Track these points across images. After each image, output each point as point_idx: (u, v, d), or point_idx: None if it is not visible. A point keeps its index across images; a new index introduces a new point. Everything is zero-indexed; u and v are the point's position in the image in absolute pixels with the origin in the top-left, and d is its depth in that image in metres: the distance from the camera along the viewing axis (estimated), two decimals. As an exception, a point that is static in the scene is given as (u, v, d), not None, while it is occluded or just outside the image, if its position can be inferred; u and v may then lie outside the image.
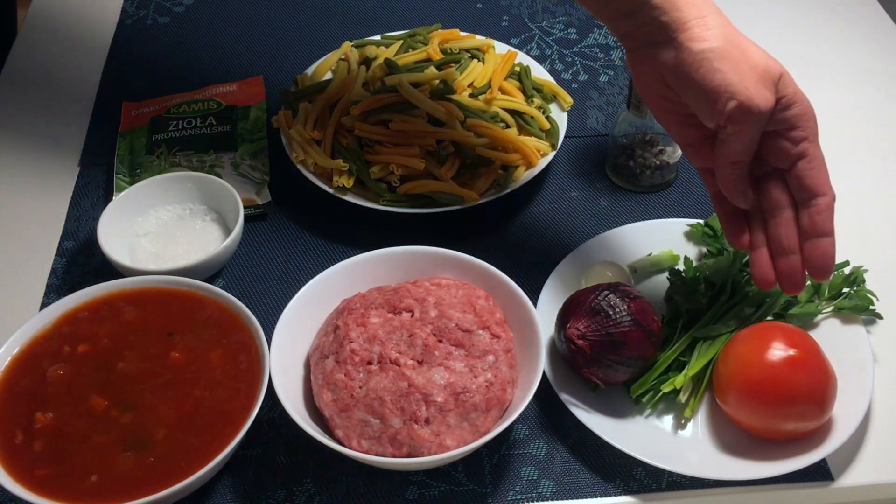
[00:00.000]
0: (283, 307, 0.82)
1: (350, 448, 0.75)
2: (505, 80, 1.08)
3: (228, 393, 0.77)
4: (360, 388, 0.77)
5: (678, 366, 0.84)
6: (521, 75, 1.10)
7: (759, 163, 0.78)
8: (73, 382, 0.78)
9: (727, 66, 0.72)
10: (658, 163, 1.03)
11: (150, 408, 0.76)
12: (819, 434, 0.79)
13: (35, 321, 0.81)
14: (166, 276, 0.85)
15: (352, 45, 1.14)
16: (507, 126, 1.04)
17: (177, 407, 0.77)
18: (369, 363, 0.78)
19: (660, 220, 0.98)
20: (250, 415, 0.75)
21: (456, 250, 0.87)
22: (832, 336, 0.86)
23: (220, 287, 0.85)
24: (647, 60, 0.77)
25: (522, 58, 1.13)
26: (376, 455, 0.75)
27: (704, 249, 0.95)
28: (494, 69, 1.08)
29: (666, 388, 0.82)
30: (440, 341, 0.79)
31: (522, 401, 0.76)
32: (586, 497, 0.79)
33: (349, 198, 0.98)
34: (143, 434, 0.75)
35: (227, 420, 0.75)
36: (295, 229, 1.00)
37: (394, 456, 0.75)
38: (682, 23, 0.74)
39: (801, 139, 0.74)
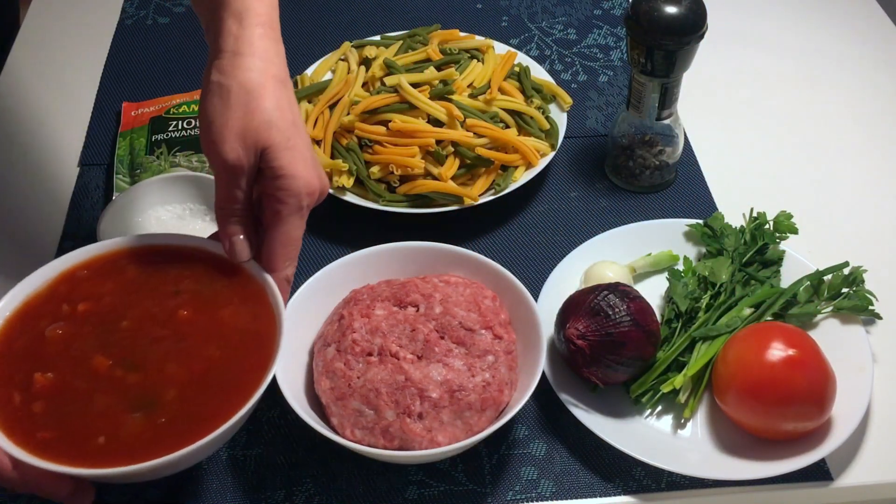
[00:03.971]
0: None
1: (343, 437, 0.75)
2: (504, 80, 1.08)
3: (243, 352, 0.72)
4: (358, 378, 0.77)
5: (677, 366, 0.84)
6: (520, 76, 1.10)
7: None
8: (73, 342, 0.73)
9: (223, 104, 0.72)
10: (657, 163, 1.03)
11: (158, 367, 0.71)
12: (818, 434, 0.79)
13: (29, 281, 0.76)
14: (171, 235, 0.80)
15: (351, 46, 1.15)
16: (507, 126, 1.04)
17: (187, 367, 0.71)
18: (369, 354, 0.78)
19: (659, 220, 0.98)
20: (267, 374, 0.70)
21: (457, 250, 0.87)
22: (831, 336, 0.86)
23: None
24: (203, 77, 0.77)
25: (522, 58, 1.13)
26: (368, 446, 0.75)
27: (704, 249, 0.95)
28: (494, 69, 1.08)
29: (665, 389, 0.82)
30: (442, 338, 0.79)
31: (519, 401, 0.76)
32: (586, 497, 0.79)
33: (349, 198, 0.98)
34: (151, 394, 0.70)
35: (242, 380, 0.71)
36: (295, 229, 1.00)
37: (385, 448, 0.75)
38: (219, 50, 0.74)
39: (275, 211, 0.73)
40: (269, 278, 0.75)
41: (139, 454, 0.66)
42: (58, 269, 0.77)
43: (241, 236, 0.75)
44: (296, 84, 1.11)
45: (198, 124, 0.75)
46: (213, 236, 0.78)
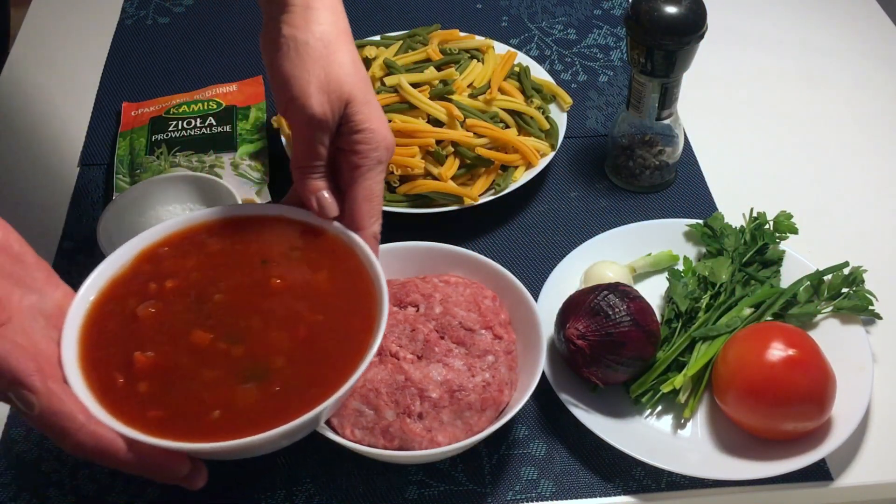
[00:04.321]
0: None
1: (343, 437, 0.75)
2: (504, 80, 1.08)
3: (345, 314, 0.71)
4: None
5: (677, 366, 0.84)
6: (520, 76, 1.10)
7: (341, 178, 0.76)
8: (167, 319, 0.71)
9: (302, 59, 0.71)
10: (657, 163, 1.03)
11: (260, 337, 0.69)
12: (818, 434, 0.79)
13: (108, 263, 0.73)
14: (248, 206, 0.78)
15: (351, 46, 1.14)
16: (507, 126, 1.04)
17: (291, 333, 0.70)
18: None
19: (659, 220, 0.98)
20: (378, 331, 0.68)
21: (456, 250, 0.87)
22: (831, 336, 0.86)
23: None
24: (262, 36, 0.75)
25: (522, 58, 1.13)
26: (368, 446, 0.75)
27: (704, 249, 0.95)
28: (494, 69, 1.08)
29: (665, 389, 0.82)
30: (442, 338, 0.79)
31: (519, 401, 0.76)
32: (586, 497, 0.79)
33: (349, 198, 0.98)
34: (260, 364, 0.68)
35: (350, 341, 0.69)
36: (295, 229, 1.00)
37: (385, 448, 0.75)
38: (288, 4, 0.72)
39: (356, 166, 0.73)
40: (357, 237, 0.74)
41: (257, 424, 0.64)
42: (137, 248, 0.75)
43: (327, 192, 0.74)
44: (296, 84, 1.11)
45: (271, 83, 0.74)
46: (286, 201, 0.77)
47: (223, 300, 0.72)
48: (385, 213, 0.97)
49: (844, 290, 0.89)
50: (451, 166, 0.99)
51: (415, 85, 1.03)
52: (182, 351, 0.69)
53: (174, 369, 0.68)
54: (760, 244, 0.93)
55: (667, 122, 1.01)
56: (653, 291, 0.92)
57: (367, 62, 1.11)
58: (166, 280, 0.73)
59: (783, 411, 0.77)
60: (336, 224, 0.75)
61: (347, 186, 0.74)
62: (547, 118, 1.06)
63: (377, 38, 1.17)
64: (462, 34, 1.16)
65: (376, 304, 0.71)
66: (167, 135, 1.07)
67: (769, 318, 0.88)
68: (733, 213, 0.98)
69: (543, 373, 0.81)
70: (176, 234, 0.77)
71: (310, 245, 0.75)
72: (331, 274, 0.73)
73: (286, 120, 0.74)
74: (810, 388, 0.77)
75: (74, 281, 0.94)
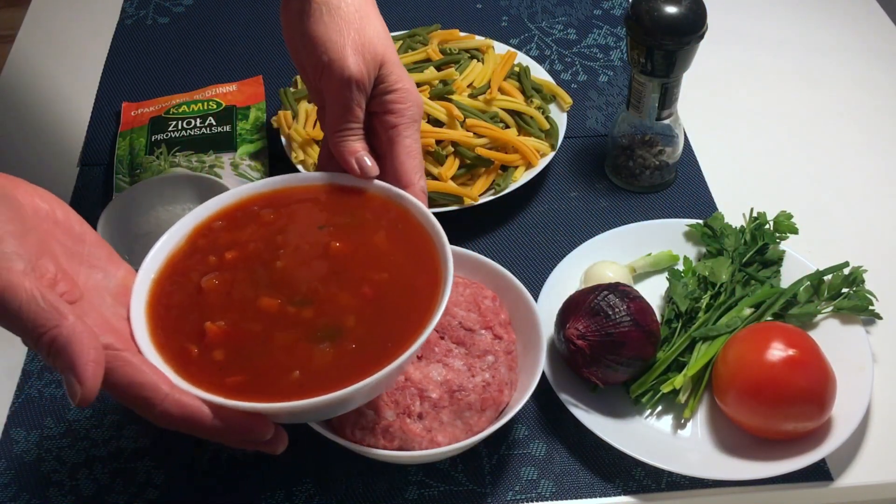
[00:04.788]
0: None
1: (343, 437, 0.75)
2: (504, 80, 1.08)
3: (409, 272, 0.72)
4: None
5: (678, 366, 0.84)
6: (520, 76, 1.10)
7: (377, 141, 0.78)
8: (233, 289, 0.71)
9: (335, 22, 0.73)
10: (657, 163, 1.03)
11: (329, 299, 0.70)
12: (818, 434, 0.79)
13: (163, 242, 0.74)
14: (299, 174, 0.79)
15: (351, 46, 1.14)
16: (507, 126, 1.04)
17: (359, 294, 0.70)
18: None
19: (659, 220, 0.98)
20: (445, 284, 0.69)
21: (456, 250, 0.87)
22: (831, 336, 0.86)
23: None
24: (284, 7, 0.77)
25: (522, 58, 1.13)
26: (368, 446, 0.75)
27: (704, 249, 0.95)
28: (494, 69, 1.08)
29: (665, 389, 0.82)
30: (441, 338, 0.79)
31: (519, 402, 0.76)
32: (586, 497, 0.79)
33: (349, 198, 0.98)
34: (332, 324, 0.69)
35: (417, 298, 0.70)
36: (295, 229, 1.00)
37: (385, 448, 0.75)
38: None
39: (393, 125, 0.74)
40: (408, 195, 0.75)
41: (337, 382, 0.64)
42: (190, 224, 0.76)
43: (366, 153, 0.75)
44: (296, 85, 1.11)
45: (301, 51, 0.75)
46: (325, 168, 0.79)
47: (285, 266, 0.72)
48: (385, 213, 0.98)
49: (844, 290, 0.89)
50: (451, 166, 0.99)
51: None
52: (252, 318, 0.69)
53: (247, 336, 0.68)
54: (760, 244, 0.93)
55: (667, 122, 1.01)
56: (653, 291, 0.92)
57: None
58: (225, 252, 0.74)
59: (783, 411, 0.77)
60: (383, 184, 0.76)
61: (387, 148, 0.75)
62: (547, 118, 1.06)
63: (377, 38, 1.16)
64: (462, 34, 1.16)
65: (440, 257, 0.71)
66: (167, 135, 1.07)
67: (769, 319, 0.88)
68: (733, 213, 0.98)
69: (543, 373, 0.81)
70: (228, 207, 0.77)
71: (362, 207, 0.76)
72: (388, 233, 0.74)
73: (320, 85, 0.75)
74: (810, 388, 0.77)
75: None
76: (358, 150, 0.75)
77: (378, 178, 0.76)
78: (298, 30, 0.75)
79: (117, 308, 0.66)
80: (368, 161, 0.75)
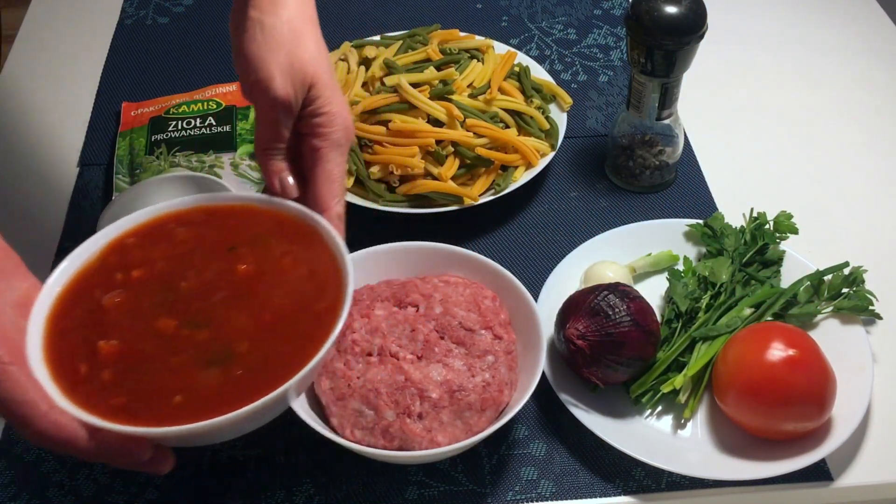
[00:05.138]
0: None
1: (343, 437, 0.75)
2: (504, 80, 1.08)
3: (310, 297, 0.72)
4: (358, 378, 0.77)
5: (678, 366, 0.84)
6: (520, 76, 1.10)
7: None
8: (133, 308, 0.71)
9: (268, 42, 0.72)
10: (657, 163, 1.03)
11: (225, 322, 0.70)
12: (818, 434, 0.79)
13: (76, 255, 0.74)
14: (214, 195, 0.80)
15: (351, 46, 1.14)
16: (507, 126, 1.04)
17: (255, 318, 0.70)
18: (369, 354, 0.78)
19: (659, 220, 0.98)
20: (341, 313, 0.69)
21: (456, 250, 0.87)
22: (831, 336, 0.86)
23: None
24: (231, 20, 0.77)
25: (522, 58, 1.13)
26: (368, 446, 0.75)
27: (704, 249, 0.95)
28: (494, 69, 1.08)
29: (665, 389, 0.82)
30: (442, 338, 0.79)
31: (519, 401, 0.76)
32: (586, 497, 0.79)
33: (348, 198, 0.98)
34: (224, 348, 0.69)
35: (314, 323, 0.69)
36: (294, 229, 1.00)
37: (385, 448, 0.75)
38: None
39: (317, 148, 0.74)
40: (322, 219, 0.75)
41: (219, 408, 0.64)
42: (104, 239, 0.76)
43: (288, 173, 0.76)
44: (296, 84, 1.11)
45: (236, 65, 0.75)
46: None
47: (190, 287, 0.72)
48: (385, 213, 0.98)
49: (844, 290, 0.89)
50: (451, 166, 0.99)
51: (415, 85, 1.03)
52: (147, 338, 0.69)
53: (138, 356, 0.68)
54: (760, 244, 0.93)
55: (667, 122, 1.01)
56: (653, 291, 0.92)
57: (367, 62, 1.11)
58: (133, 270, 0.74)
59: (783, 411, 0.77)
60: (300, 207, 0.76)
61: (309, 169, 0.75)
62: (547, 118, 1.06)
63: (377, 38, 1.17)
64: (462, 34, 1.16)
65: (342, 285, 0.71)
66: (167, 135, 1.07)
67: (769, 319, 0.88)
68: (733, 213, 0.98)
69: (543, 373, 0.81)
70: (143, 224, 0.77)
71: (275, 230, 0.76)
72: (296, 258, 0.74)
73: (250, 101, 0.75)
74: (810, 388, 0.77)
75: (74, 281, 0.95)
76: (281, 169, 0.75)
77: (300, 199, 0.76)
78: (235, 44, 0.75)
79: (18, 320, 0.65)
80: (290, 181, 0.76)
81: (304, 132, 0.75)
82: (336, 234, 0.74)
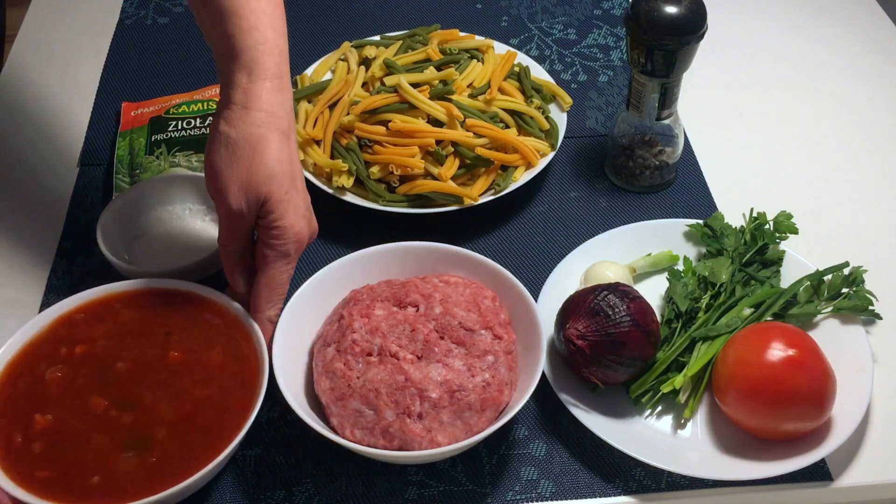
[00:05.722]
0: (282, 307, 0.83)
1: (343, 437, 0.76)
2: (504, 80, 1.08)
3: (228, 391, 0.77)
4: (358, 378, 0.77)
5: (677, 366, 0.84)
6: (520, 76, 1.10)
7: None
8: (71, 384, 0.77)
9: (229, 156, 0.78)
10: (657, 163, 1.03)
11: (150, 407, 0.76)
12: (818, 434, 0.79)
13: (31, 325, 0.81)
14: (163, 279, 0.85)
15: (351, 46, 1.14)
16: (507, 126, 1.04)
17: (177, 406, 0.76)
18: (369, 354, 0.78)
19: (659, 221, 0.98)
20: (251, 412, 0.75)
21: (456, 250, 0.87)
22: (831, 336, 0.86)
23: (220, 287, 0.85)
24: (210, 126, 0.83)
25: (522, 58, 1.13)
26: (368, 446, 0.75)
27: (704, 249, 0.95)
28: (494, 69, 1.08)
29: (665, 389, 0.82)
30: (442, 338, 0.79)
31: (519, 401, 0.76)
32: (586, 497, 0.79)
33: (348, 198, 0.98)
34: (143, 434, 0.74)
35: (228, 418, 0.75)
36: (294, 229, 1.00)
37: (385, 448, 0.75)
38: (230, 102, 0.79)
39: (264, 256, 0.80)
40: (252, 321, 0.80)
41: (131, 493, 0.70)
42: (57, 312, 0.82)
43: (240, 270, 0.82)
44: (295, 84, 1.11)
45: (205, 170, 0.81)
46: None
47: (125, 368, 0.79)
48: (385, 213, 0.98)
49: (844, 290, 0.89)
50: (451, 166, 0.99)
51: (415, 85, 1.03)
52: (78, 415, 0.75)
53: (68, 432, 0.74)
54: (760, 244, 0.93)
55: (667, 122, 1.01)
56: (653, 291, 0.92)
57: (367, 62, 1.11)
58: (77, 345, 0.80)
59: (783, 411, 0.77)
60: (237, 306, 0.82)
61: (257, 271, 0.81)
62: (547, 118, 1.06)
63: (377, 38, 1.17)
64: (462, 34, 1.16)
65: (257, 386, 0.77)
66: (167, 135, 1.07)
67: (769, 319, 0.88)
68: (733, 213, 0.98)
69: (543, 373, 0.81)
70: (93, 301, 0.83)
71: (211, 321, 0.82)
72: (223, 351, 0.80)
73: (213, 202, 0.81)
74: (810, 388, 0.77)
75: (74, 281, 0.95)
76: (233, 264, 0.82)
77: (246, 293, 0.82)
78: (205, 152, 0.80)
79: None
80: (238, 278, 0.82)
81: (260, 237, 0.80)
82: (261, 337, 0.80)
